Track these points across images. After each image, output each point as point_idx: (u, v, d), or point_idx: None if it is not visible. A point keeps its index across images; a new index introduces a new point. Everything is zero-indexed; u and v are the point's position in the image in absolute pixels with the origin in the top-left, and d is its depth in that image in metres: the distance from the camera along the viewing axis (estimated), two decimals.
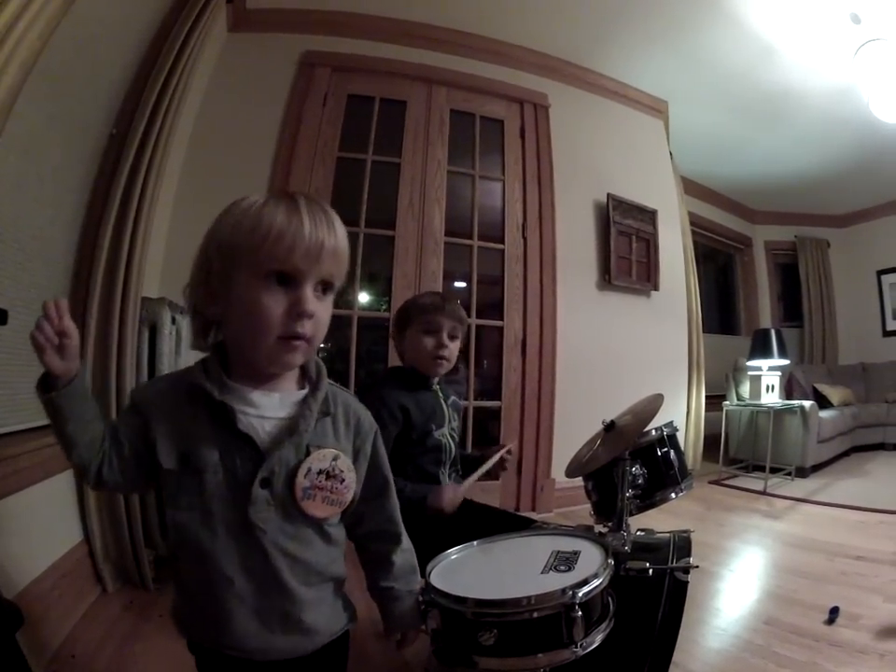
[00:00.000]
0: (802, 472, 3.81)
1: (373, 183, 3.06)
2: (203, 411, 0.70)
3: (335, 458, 0.73)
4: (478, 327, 3.16)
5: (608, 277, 3.43)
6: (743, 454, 4.25)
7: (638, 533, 1.36)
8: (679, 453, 1.49)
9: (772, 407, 3.86)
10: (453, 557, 1.03)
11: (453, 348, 1.41)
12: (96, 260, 1.91)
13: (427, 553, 1.01)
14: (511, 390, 3.16)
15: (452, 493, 1.29)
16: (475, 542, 1.09)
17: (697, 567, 1.15)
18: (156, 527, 1.95)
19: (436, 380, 1.45)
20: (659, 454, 1.44)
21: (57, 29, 1.46)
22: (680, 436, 3.83)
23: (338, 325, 3.12)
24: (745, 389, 4.24)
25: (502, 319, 3.17)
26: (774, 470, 3.70)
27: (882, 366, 5.17)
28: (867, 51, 3.15)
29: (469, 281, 3.16)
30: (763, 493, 3.46)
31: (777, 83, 3.60)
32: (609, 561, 0.91)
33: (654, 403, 1.42)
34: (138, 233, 1.98)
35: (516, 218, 3.25)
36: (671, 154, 4.06)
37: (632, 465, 1.35)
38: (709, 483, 3.82)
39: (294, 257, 0.66)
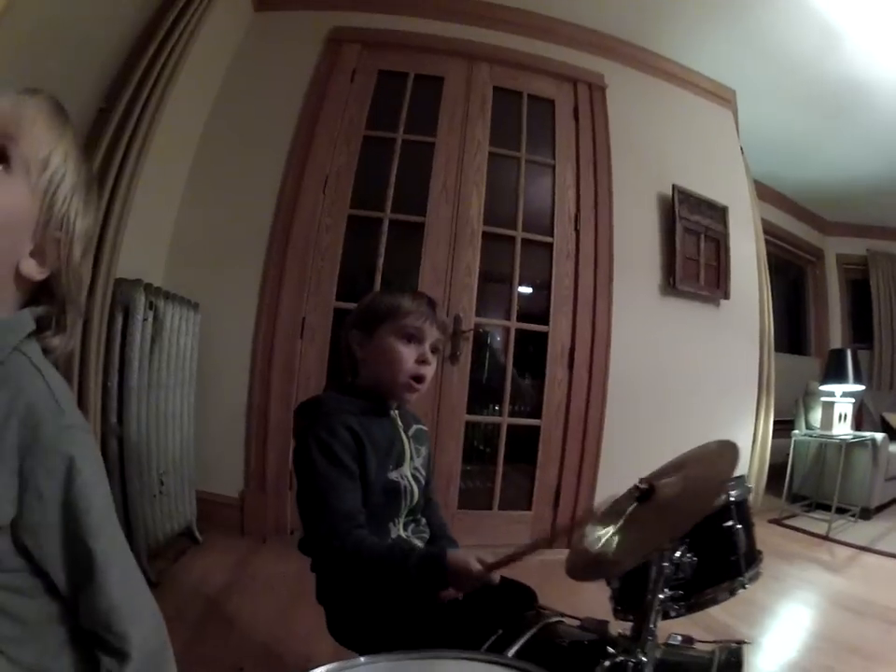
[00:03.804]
0: (865, 514, 3.45)
1: (403, 164, 2.72)
2: None
3: None
4: (518, 331, 2.75)
5: (672, 281, 2.97)
6: (807, 490, 3.82)
7: (672, 641, 0.89)
8: (749, 527, 0.96)
9: (844, 439, 3.42)
10: None
11: (431, 369, 1.07)
12: None
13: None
14: (554, 408, 2.72)
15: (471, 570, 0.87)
16: (384, 658, 0.69)
17: None
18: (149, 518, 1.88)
19: (394, 404, 1.09)
20: (720, 530, 0.92)
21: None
22: (744, 467, 3.35)
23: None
24: (815, 417, 3.85)
25: (547, 324, 2.74)
26: (839, 511, 3.34)
27: None
28: None
29: (510, 279, 2.75)
30: (826, 538, 3.08)
31: (847, 74, 3.18)
32: None
33: (721, 463, 0.87)
34: (113, 210, 1.83)
35: (568, 209, 2.82)
36: (742, 149, 3.60)
37: (674, 550, 0.87)
38: (769, 521, 3.40)
39: None
